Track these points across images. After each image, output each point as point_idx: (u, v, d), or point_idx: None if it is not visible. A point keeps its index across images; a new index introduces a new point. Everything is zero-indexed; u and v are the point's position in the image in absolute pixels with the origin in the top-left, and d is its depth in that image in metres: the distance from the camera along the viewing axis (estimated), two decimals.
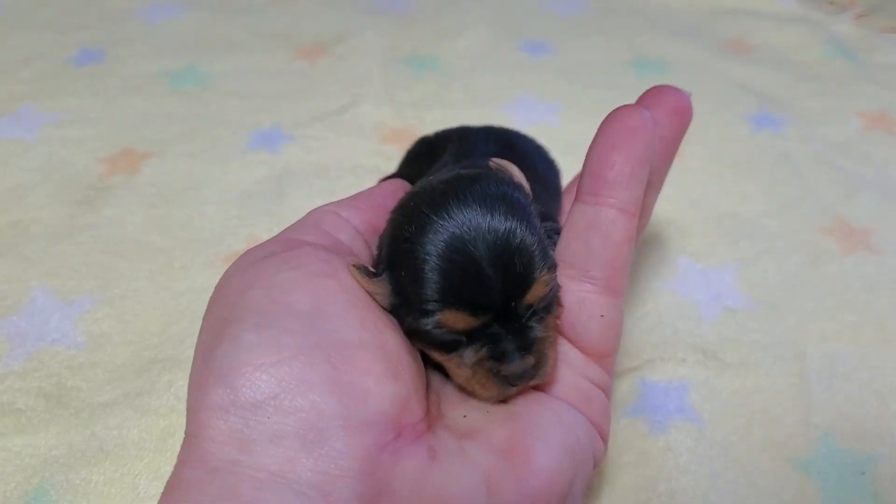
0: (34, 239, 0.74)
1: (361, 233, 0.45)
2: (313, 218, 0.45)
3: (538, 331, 0.39)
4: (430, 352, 0.41)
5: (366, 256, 0.45)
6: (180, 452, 0.35)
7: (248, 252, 0.42)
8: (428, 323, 0.38)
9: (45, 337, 0.65)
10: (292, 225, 0.45)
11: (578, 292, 0.43)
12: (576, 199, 0.44)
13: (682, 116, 0.47)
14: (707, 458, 0.57)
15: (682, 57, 1.09)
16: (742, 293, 0.71)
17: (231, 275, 0.41)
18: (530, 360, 0.39)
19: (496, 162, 0.44)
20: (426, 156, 0.67)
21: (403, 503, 0.34)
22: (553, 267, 0.39)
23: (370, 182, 0.82)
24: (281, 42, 1.08)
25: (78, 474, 0.56)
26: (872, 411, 0.61)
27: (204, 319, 0.40)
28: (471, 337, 0.39)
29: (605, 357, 0.44)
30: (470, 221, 0.37)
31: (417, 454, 0.36)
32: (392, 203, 0.44)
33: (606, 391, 0.44)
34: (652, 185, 0.51)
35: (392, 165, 0.85)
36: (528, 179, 0.46)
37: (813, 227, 0.80)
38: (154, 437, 0.58)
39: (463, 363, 0.40)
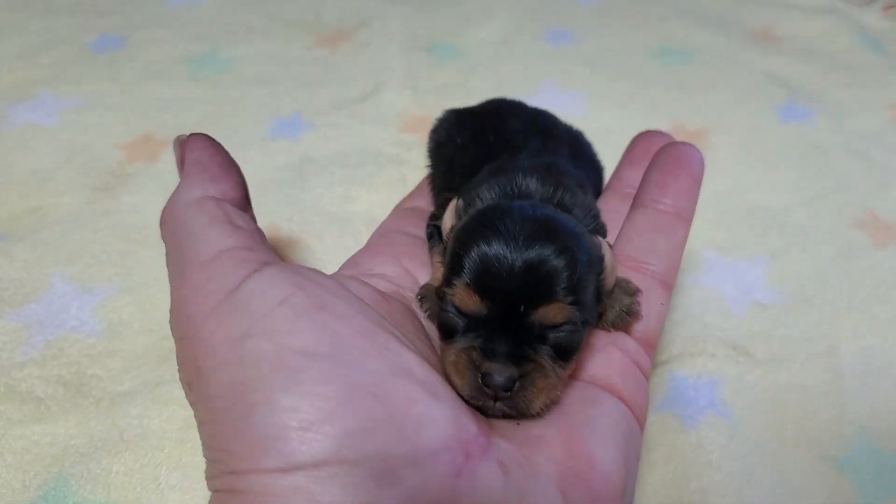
0: (53, 225, 0.73)
1: (235, 203, 0.45)
2: (203, 217, 0.42)
3: (541, 359, 0.40)
4: (439, 337, 0.43)
5: (248, 223, 0.44)
6: None
7: (193, 286, 0.40)
8: (447, 295, 0.41)
9: (64, 324, 0.64)
10: (191, 235, 0.42)
11: (641, 281, 0.47)
12: (638, 205, 0.51)
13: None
14: (740, 455, 0.56)
15: (708, 46, 1.07)
16: (772, 287, 0.70)
17: (202, 322, 0.38)
18: (514, 371, 0.39)
19: (600, 240, 0.45)
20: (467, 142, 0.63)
21: None
22: (581, 309, 0.40)
23: (391, 170, 0.81)
24: (302, 29, 1.07)
25: (98, 464, 0.55)
26: None
27: (203, 380, 0.38)
28: (471, 329, 0.40)
29: (650, 346, 0.47)
30: (518, 232, 0.40)
31: (491, 471, 0.36)
32: (224, 156, 0.46)
33: (648, 380, 0.46)
34: None
35: (413, 154, 0.84)
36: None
37: (844, 220, 0.78)
38: (175, 427, 0.57)
39: (453, 346, 0.41)
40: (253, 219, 0.46)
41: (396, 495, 0.33)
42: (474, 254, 0.40)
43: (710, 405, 0.59)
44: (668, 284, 0.49)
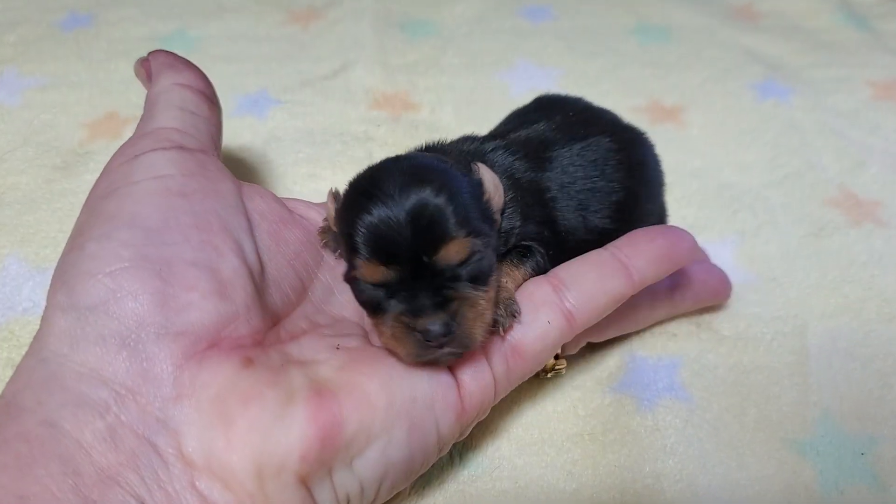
0: (9, 205, 0.72)
1: (201, 89, 0.54)
2: (162, 101, 0.51)
3: (463, 293, 0.42)
4: (368, 316, 0.45)
5: (212, 118, 0.53)
6: (30, 345, 0.41)
7: (126, 146, 0.48)
8: (354, 278, 0.43)
9: (17, 306, 0.63)
10: (155, 105, 0.51)
11: (547, 296, 0.48)
12: (601, 248, 0.50)
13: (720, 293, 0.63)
14: (696, 439, 0.55)
15: (687, 24, 1.05)
16: (742, 266, 0.68)
17: (103, 175, 0.47)
18: (443, 315, 0.41)
19: (478, 164, 0.47)
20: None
21: (204, 403, 0.39)
22: (477, 235, 0.42)
23: (358, 148, 0.80)
24: (274, 5, 1.05)
25: None
26: (874, 391, 0.59)
27: (77, 218, 0.46)
28: (392, 296, 0.42)
29: (518, 356, 0.47)
30: (391, 189, 0.42)
31: (226, 362, 0.40)
32: (185, 59, 0.56)
33: (498, 383, 0.47)
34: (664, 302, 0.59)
35: (382, 131, 0.83)
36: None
37: (818, 199, 0.77)
38: None
39: (384, 321, 0.43)
40: (213, 109, 0.54)
41: (132, 358, 0.39)
42: (360, 227, 0.42)
43: (668, 388, 0.58)
44: (575, 320, 0.48)
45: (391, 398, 0.42)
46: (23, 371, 0.40)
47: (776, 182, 0.78)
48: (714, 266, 0.63)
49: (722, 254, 0.70)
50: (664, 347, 0.61)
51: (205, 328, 0.40)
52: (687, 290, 0.60)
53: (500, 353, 0.46)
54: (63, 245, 0.67)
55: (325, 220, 0.51)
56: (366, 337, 0.48)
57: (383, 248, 0.41)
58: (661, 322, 0.63)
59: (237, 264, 0.43)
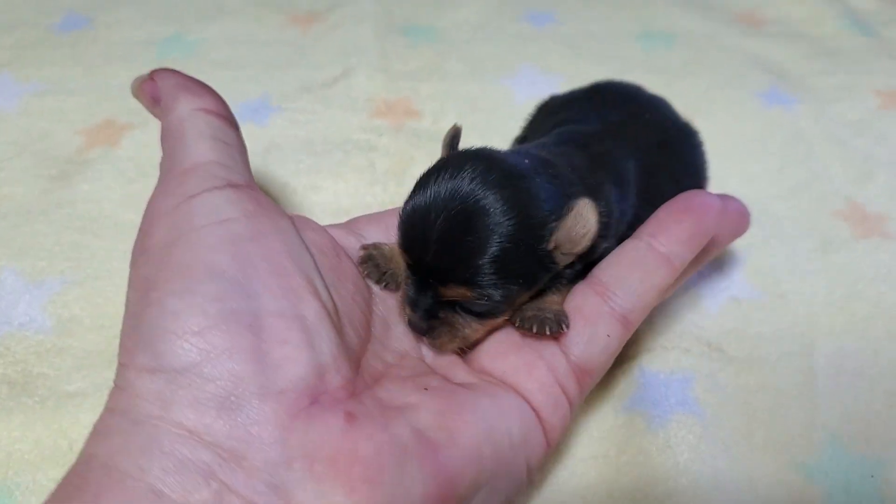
0: (5, 216, 0.70)
1: (223, 114, 0.48)
2: (193, 130, 0.46)
3: (450, 317, 0.45)
4: None
5: (240, 146, 0.48)
6: (108, 401, 0.38)
7: (169, 184, 0.44)
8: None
9: (12, 321, 0.62)
10: (184, 135, 0.46)
11: (598, 308, 0.47)
12: (634, 236, 0.50)
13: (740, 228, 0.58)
14: (710, 457, 0.54)
15: (691, 30, 1.04)
16: (748, 282, 0.68)
17: (153, 222, 0.43)
18: (423, 323, 0.45)
19: (582, 203, 0.44)
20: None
21: (318, 465, 0.36)
22: (493, 288, 0.42)
23: (359, 157, 0.79)
24: (274, 9, 1.04)
25: (45, 475, 0.52)
26: (882, 412, 0.58)
27: (131, 272, 0.42)
28: (411, 275, 0.45)
29: (587, 375, 0.47)
30: (454, 192, 0.42)
31: (332, 419, 0.38)
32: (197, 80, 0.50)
33: (573, 406, 0.47)
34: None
35: (384, 140, 0.82)
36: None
37: (825, 211, 0.76)
38: None
39: (406, 286, 0.47)
40: (238, 134, 0.49)
41: (233, 421, 0.36)
42: (406, 207, 0.44)
43: (681, 403, 0.57)
44: (630, 322, 0.48)
45: (495, 447, 0.41)
46: (113, 432, 0.37)
47: (783, 194, 0.78)
48: (727, 201, 0.55)
49: (730, 267, 0.69)
50: (678, 362, 0.60)
51: (304, 383, 0.38)
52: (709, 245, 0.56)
53: (572, 379, 0.46)
54: (59, 258, 0.67)
55: (363, 248, 0.49)
56: (432, 371, 0.47)
57: (407, 239, 0.44)
58: (672, 336, 0.63)
59: (318, 308, 0.41)
